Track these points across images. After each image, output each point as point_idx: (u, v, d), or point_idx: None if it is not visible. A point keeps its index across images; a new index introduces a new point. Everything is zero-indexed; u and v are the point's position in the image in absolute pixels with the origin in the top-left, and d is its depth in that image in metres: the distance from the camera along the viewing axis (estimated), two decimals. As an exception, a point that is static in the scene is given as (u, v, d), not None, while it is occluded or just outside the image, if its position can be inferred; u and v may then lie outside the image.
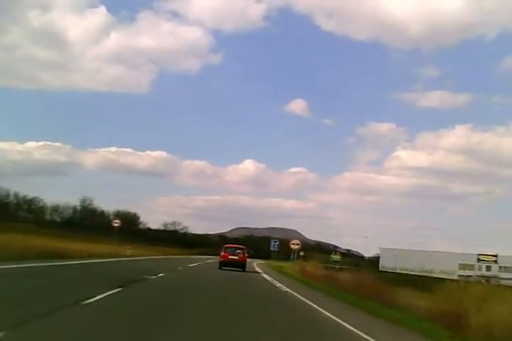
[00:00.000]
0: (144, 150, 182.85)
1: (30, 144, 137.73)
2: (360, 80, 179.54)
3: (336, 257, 74.09)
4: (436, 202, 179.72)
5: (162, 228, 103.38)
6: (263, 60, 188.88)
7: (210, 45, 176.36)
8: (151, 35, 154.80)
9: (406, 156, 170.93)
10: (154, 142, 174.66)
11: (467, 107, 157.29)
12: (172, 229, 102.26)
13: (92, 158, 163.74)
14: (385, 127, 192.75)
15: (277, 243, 61.90)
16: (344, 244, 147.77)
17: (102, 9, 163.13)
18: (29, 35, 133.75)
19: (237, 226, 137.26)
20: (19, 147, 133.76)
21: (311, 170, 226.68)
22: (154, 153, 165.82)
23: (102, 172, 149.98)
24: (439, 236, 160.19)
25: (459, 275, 76.25)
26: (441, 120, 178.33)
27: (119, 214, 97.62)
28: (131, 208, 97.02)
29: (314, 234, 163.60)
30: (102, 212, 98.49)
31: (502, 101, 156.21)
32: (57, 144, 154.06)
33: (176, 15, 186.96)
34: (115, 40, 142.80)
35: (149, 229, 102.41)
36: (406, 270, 73.33)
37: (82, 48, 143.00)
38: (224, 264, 29.36)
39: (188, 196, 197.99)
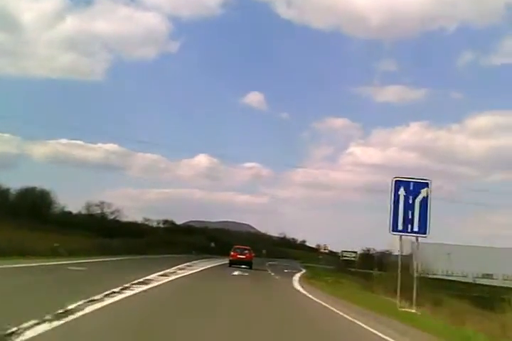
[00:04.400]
0: (95, 143, 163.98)
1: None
2: (318, 73, 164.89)
3: (351, 255, 48.56)
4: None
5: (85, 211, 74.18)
6: (221, 49, 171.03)
7: (167, 32, 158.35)
8: (107, 20, 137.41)
9: (360, 152, 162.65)
10: (106, 134, 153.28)
11: (423, 103, 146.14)
12: (99, 212, 72.71)
13: (41, 150, 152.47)
14: (340, 122, 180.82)
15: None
16: (302, 238, 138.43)
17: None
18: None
19: (190, 220, 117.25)
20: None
21: (265, 166, 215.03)
22: (106, 146, 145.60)
23: (51, 165, 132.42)
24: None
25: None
26: (396, 116, 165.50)
27: (24, 193, 70.14)
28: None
29: (267, 228, 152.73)
30: (7, 191, 69.38)
31: (458, 97, 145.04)
32: (6, 135, 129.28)
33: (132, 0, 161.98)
34: (70, 25, 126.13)
35: (69, 213, 74.34)
36: (453, 275, 48.22)
37: (36, 33, 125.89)
38: (233, 262, 33.52)
39: (140, 189, 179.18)
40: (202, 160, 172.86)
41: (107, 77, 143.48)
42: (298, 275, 32.06)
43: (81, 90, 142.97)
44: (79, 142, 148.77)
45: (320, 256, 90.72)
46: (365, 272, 46.73)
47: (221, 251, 67.13)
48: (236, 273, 25.81)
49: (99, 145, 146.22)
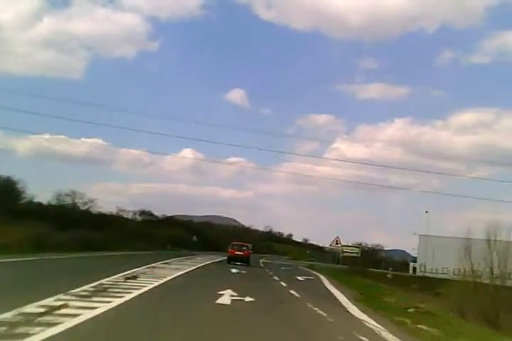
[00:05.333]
0: (78, 138, 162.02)
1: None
2: (300, 71, 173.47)
3: (353, 250, 41.57)
4: (374, 193, 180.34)
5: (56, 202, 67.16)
6: (203, 48, 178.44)
7: (147, 32, 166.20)
8: (86, 20, 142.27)
9: (345, 148, 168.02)
10: (90, 129, 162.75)
11: (406, 100, 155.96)
12: (70, 202, 65.57)
13: (25, 145, 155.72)
14: (324, 118, 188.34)
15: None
16: (289, 232, 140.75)
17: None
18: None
19: (174, 214, 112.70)
20: None
21: (249, 160, 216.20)
22: (90, 141, 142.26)
23: (35, 160, 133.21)
24: (378, 228, 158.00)
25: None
26: (380, 113, 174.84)
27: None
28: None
29: (253, 222, 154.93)
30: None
31: (440, 94, 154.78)
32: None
33: (111, 1, 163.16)
34: (48, 24, 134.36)
35: (39, 204, 67.47)
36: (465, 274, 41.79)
37: (15, 31, 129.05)
38: (231, 259, 34.03)
39: (124, 184, 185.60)
40: (187, 155, 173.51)
41: (87, 74, 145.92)
42: (337, 292, 18.85)
43: (63, 87, 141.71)
44: (62, 137, 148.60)
45: (308, 251, 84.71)
46: (376, 272, 40.41)
47: (204, 246, 60.40)
48: (225, 299, 12.26)
49: (83, 139, 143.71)
